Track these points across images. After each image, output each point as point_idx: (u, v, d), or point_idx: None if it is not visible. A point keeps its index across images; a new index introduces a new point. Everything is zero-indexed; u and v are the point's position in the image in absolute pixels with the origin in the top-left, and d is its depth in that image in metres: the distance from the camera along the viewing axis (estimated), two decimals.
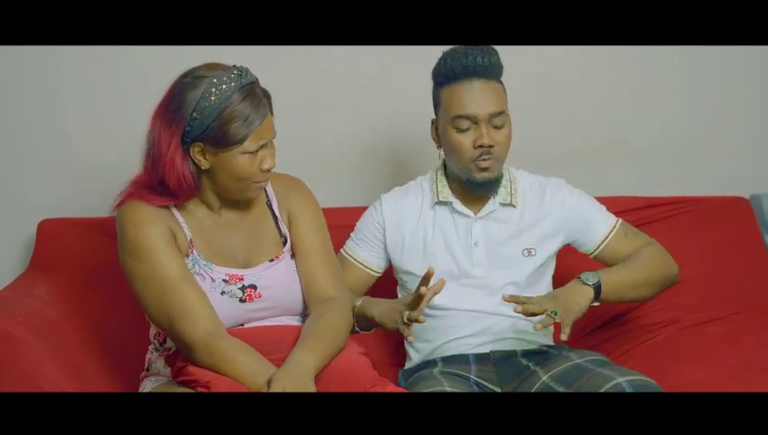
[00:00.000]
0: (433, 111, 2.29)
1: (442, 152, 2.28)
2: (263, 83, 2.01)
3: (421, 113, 2.67)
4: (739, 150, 2.90)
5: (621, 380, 1.96)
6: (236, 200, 2.08)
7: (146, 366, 2.13)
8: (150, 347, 2.13)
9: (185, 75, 1.98)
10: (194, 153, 1.97)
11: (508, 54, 2.12)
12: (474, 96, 2.18)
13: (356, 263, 2.32)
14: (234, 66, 1.97)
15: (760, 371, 2.22)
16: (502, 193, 2.27)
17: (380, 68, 2.68)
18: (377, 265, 2.32)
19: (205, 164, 1.98)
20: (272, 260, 2.09)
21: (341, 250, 2.33)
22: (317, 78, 2.66)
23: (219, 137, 1.94)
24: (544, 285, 2.30)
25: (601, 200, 2.35)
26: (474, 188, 2.23)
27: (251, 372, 1.89)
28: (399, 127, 2.72)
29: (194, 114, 1.93)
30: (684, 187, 2.80)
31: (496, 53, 2.21)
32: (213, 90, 1.93)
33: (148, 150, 1.99)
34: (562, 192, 2.30)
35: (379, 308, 2.10)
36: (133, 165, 2.04)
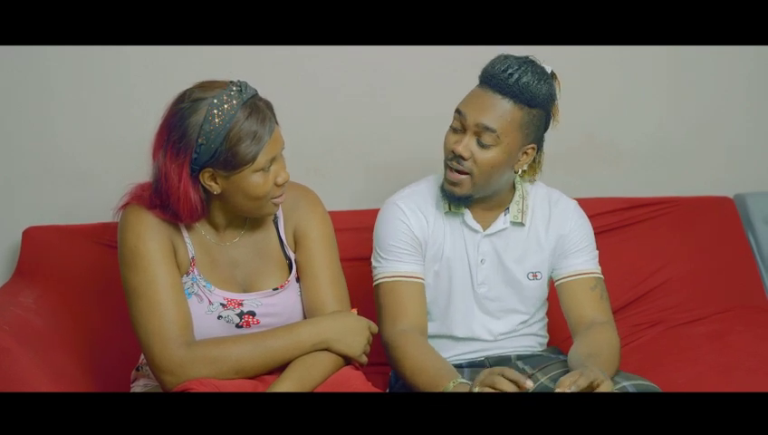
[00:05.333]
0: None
1: None
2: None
3: (413, 116, 2.68)
4: (723, 151, 2.92)
5: (627, 383, 1.90)
6: (244, 218, 2.02)
7: (137, 365, 2.10)
8: None
9: (180, 100, 1.88)
10: (204, 179, 1.88)
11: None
12: (477, 101, 2.02)
13: (408, 280, 2.11)
14: (231, 82, 1.88)
15: (746, 370, 2.24)
16: (513, 210, 2.15)
17: (372, 70, 2.67)
18: (423, 274, 2.14)
19: (216, 189, 1.90)
20: (276, 289, 2.02)
21: (378, 280, 2.14)
22: (306, 79, 2.64)
23: (229, 159, 1.84)
24: (544, 308, 2.25)
25: (586, 201, 2.29)
26: (447, 197, 2.11)
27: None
28: (391, 131, 2.71)
29: (199, 140, 1.83)
30: (668, 187, 2.82)
31: (533, 78, 2.00)
32: (215, 111, 1.82)
33: (156, 185, 1.89)
34: (569, 215, 2.19)
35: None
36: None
